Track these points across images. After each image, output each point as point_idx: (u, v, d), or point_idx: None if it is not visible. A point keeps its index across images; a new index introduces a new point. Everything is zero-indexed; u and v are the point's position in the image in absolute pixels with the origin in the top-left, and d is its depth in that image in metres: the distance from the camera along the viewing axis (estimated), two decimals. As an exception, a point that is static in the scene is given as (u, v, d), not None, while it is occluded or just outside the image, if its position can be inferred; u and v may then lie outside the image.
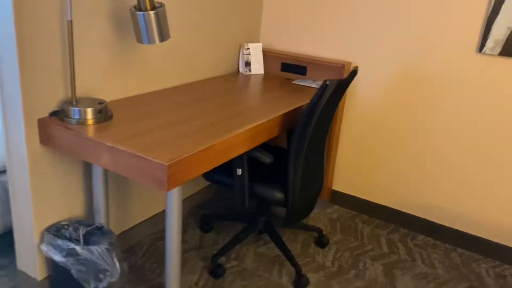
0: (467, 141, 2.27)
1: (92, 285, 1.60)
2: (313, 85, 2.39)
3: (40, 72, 1.51)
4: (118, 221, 2.07)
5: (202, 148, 1.41)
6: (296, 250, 2.25)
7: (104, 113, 1.59)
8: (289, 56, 2.57)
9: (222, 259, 2.13)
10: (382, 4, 2.31)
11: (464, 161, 2.30)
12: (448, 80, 2.24)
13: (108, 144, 1.38)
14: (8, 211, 1.93)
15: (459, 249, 2.39)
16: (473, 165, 2.28)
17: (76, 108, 1.52)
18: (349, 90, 2.52)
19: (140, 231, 2.20)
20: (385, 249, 2.33)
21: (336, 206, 2.73)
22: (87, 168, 1.81)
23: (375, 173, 2.57)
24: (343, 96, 2.47)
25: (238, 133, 1.58)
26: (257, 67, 2.61)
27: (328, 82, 1.63)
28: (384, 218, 2.60)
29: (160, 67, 2.04)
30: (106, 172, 1.74)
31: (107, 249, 1.62)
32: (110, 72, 1.79)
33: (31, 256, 1.73)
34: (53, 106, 1.59)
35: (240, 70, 2.61)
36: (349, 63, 2.45)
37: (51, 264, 1.69)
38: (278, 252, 2.22)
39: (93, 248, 1.60)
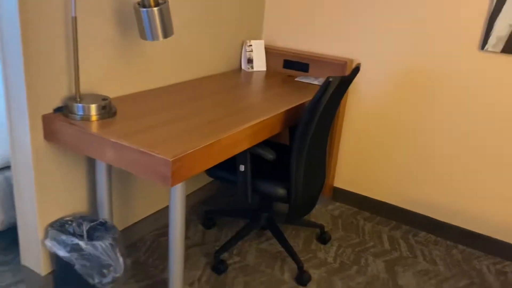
0: (469, 139, 2.27)
1: (96, 280, 1.61)
2: (315, 82, 2.40)
3: (44, 69, 1.52)
4: (121, 217, 2.08)
5: (206, 144, 1.42)
6: (298, 246, 2.26)
7: (108, 109, 1.59)
8: (291, 53, 2.58)
9: (225, 255, 2.14)
10: (385, 1, 2.32)
11: (466, 159, 2.30)
12: (450, 77, 2.24)
13: (112, 140, 1.39)
14: (12, 206, 1.94)
15: (460, 246, 2.40)
16: (475, 163, 2.29)
17: (80, 104, 1.53)
18: (351, 87, 2.53)
19: (143, 227, 2.22)
20: (386, 245, 2.34)
21: (337, 203, 2.74)
22: (91, 164, 1.82)
23: (376, 170, 2.58)
24: (345, 93, 2.47)
25: (241, 130, 1.59)
26: (259, 64, 2.62)
27: (331, 79, 1.64)
28: (385, 215, 2.61)
29: (163, 64, 2.05)
30: (109, 168, 1.75)
31: (111, 244, 1.63)
32: (113, 69, 1.80)
33: (35, 251, 1.75)
34: (57, 102, 1.60)
35: (242, 67, 2.61)
36: (352, 60, 2.46)
37: (55, 259, 1.70)
38: (280, 248, 2.23)
39: (97, 243, 1.61)
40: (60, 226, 1.70)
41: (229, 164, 2.00)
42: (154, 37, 1.61)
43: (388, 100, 2.44)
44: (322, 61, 2.49)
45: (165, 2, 1.61)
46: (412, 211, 2.53)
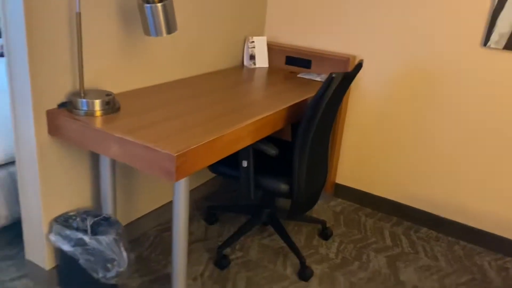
0: (470, 135, 2.28)
1: (100, 274, 1.62)
2: (318, 79, 2.40)
3: (48, 64, 1.53)
4: (124, 212, 2.09)
5: (209, 139, 1.43)
6: (300, 242, 2.27)
7: (111, 105, 1.60)
8: (293, 49, 2.58)
9: (227, 250, 2.15)
10: (387, -3, 2.32)
11: (468, 155, 2.31)
12: (452, 74, 2.25)
13: (117, 135, 1.40)
14: (16, 201, 1.95)
15: (461, 242, 2.41)
16: (477, 159, 2.29)
17: (85, 100, 1.54)
18: (353, 83, 2.53)
19: (145, 222, 2.23)
20: (388, 241, 2.35)
21: (339, 199, 2.75)
22: (95, 159, 1.83)
23: (378, 166, 2.59)
24: (348, 89, 2.48)
25: (244, 126, 1.60)
26: (262, 61, 2.62)
27: (334, 75, 1.64)
28: (387, 211, 2.62)
29: (166, 60, 2.05)
30: (113, 163, 1.76)
31: (114, 239, 1.64)
32: (117, 64, 1.80)
33: (39, 246, 1.76)
34: (61, 98, 1.61)
35: (245, 63, 2.62)
36: (354, 57, 2.46)
37: (59, 254, 1.72)
38: (282, 243, 2.24)
39: (101, 238, 1.62)
40: (64, 221, 1.71)
41: (232, 160, 2.00)
42: (157, 33, 1.61)
43: (390, 96, 2.44)
44: (325, 58, 2.50)
45: (168, -2, 1.61)
46: (413, 207, 2.54)
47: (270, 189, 1.89)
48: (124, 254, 1.66)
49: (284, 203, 2.66)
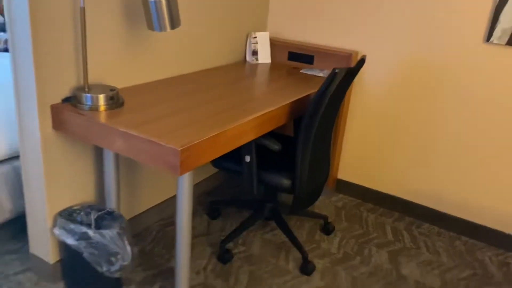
0: (472, 131, 2.28)
1: (104, 268, 1.63)
2: (320, 74, 2.41)
3: (53, 59, 1.54)
4: (128, 207, 2.10)
5: (213, 134, 1.44)
6: (302, 237, 2.28)
7: (115, 100, 1.61)
8: (296, 45, 2.58)
9: (230, 245, 2.16)
10: (390, -7, 2.32)
11: (469, 151, 2.32)
12: (454, 70, 2.25)
13: (121, 129, 1.41)
14: (20, 196, 1.97)
15: (463, 237, 2.42)
16: (478, 154, 2.30)
17: (89, 95, 1.54)
18: (356, 79, 2.54)
19: (148, 217, 2.24)
20: (390, 237, 2.36)
21: (341, 195, 2.76)
22: (98, 154, 1.84)
23: (380, 162, 2.59)
24: (351, 85, 2.48)
25: (247, 121, 1.60)
26: (264, 56, 2.63)
27: (337, 70, 1.65)
28: (389, 207, 2.63)
29: (169, 56, 2.06)
30: (117, 158, 1.77)
31: (118, 233, 1.65)
32: (121, 59, 1.81)
33: (43, 239, 1.77)
34: (65, 92, 1.61)
35: (247, 59, 2.62)
36: (357, 52, 2.46)
37: (63, 247, 1.73)
38: (284, 238, 2.25)
39: (105, 232, 1.63)
40: (68, 215, 1.72)
41: (234, 156, 2.01)
42: (161, 28, 1.62)
43: (392, 92, 2.44)
44: (327, 53, 2.50)
45: (172, -7, 1.61)
46: (415, 203, 2.54)
47: (273, 184, 1.90)
48: (128, 248, 1.67)
49: (286, 198, 2.67)
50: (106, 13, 1.69)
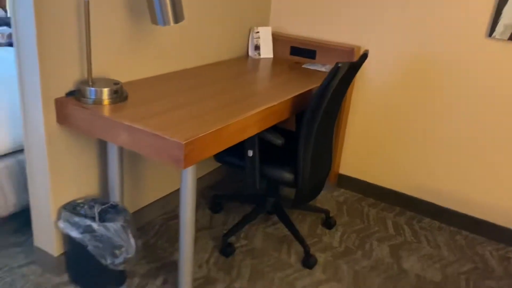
0: (474, 126, 2.29)
1: (108, 260, 1.65)
2: (323, 69, 2.41)
3: (57, 53, 1.54)
4: (131, 201, 2.11)
5: (216, 128, 1.45)
6: (304, 231, 2.30)
7: (119, 94, 1.62)
8: (298, 40, 2.59)
9: (232, 239, 2.18)
10: (393, -12, 2.32)
11: (469, 145, 2.32)
12: (456, 65, 2.25)
13: (125, 123, 1.42)
14: (24, 189, 1.98)
15: (464, 232, 2.43)
16: (479, 149, 2.31)
17: (93, 88, 1.55)
18: (358, 74, 2.54)
19: (151, 210, 2.26)
20: (391, 231, 2.37)
21: (342, 190, 2.77)
22: (102, 148, 1.85)
23: (382, 157, 2.60)
24: (353, 80, 2.48)
25: (250, 115, 1.61)
26: (267, 51, 2.63)
27: (340, 64, 1.65)
28: (390, 201, 2.64)
29: (173, 50, 2.07)
30: (121, 152, 1.78)
31: (122, 226, 1.66)
32: (125, 53, 1.82)
33: (48, 232, 1.79)
34: (69, 86, 1.62)
35: (250, 53, 2.63)
36: (359, 47, 2.47)
37: (68, 240, 1.74)
38: (286, 232, 2.27)
39: (109, 225, 1.65)
40: (72, 208, 1.73)
41: (237, 150, 2.02)
42: (165, 22, 1.62)
43: (394, 87, 2.45)
44: (329, 48, 2.50)
45: (176, -12, 1.62)
46: (416, 198, 2.56)
47: (275, 178, 1.91)
48: (132, 241, 1.69)
49: (288, 192, 2.68)
50: (110, 7, 1.69)
